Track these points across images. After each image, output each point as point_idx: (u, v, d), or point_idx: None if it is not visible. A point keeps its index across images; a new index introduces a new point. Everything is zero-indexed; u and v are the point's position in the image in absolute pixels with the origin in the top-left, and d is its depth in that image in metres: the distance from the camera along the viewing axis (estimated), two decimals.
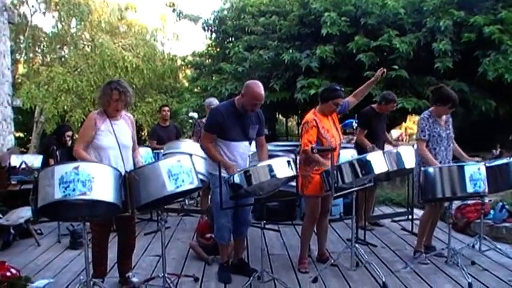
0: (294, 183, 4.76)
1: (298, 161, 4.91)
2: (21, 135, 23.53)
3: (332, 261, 5.31)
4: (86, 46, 21.79)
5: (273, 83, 12.09)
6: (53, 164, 5.25)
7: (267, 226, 5.24)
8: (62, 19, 21.25)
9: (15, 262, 5.25)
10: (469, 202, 6.86)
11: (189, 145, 6.86)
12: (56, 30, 21.60)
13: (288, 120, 20.97)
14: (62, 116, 19.52)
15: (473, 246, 5.96)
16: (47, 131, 19.14)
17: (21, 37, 21.53)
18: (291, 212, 7.82)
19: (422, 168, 5.12)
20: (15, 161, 7.82)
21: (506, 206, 6.69)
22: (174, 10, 17.16)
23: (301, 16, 12.65)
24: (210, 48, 17.74)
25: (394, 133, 21.43)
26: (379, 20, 11.38)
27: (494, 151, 14.86)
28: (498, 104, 11.19)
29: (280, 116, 18.52)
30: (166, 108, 9.16)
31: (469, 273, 4.86)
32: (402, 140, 23.81)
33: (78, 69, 20.03)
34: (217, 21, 15.82)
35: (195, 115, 10.49)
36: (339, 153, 5.31)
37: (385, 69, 5.84)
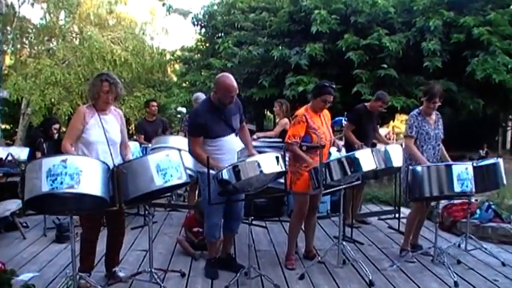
0: (282, 180, 4.76)
1: (288, 157, 4.95)
2: (7, 127, 23.32)
3: (319, 258, 5.31)
4: (74, 39, 21.61)
5: (262, 80, 12.08)
6: (41, 157, 5.22)
7: (254, 222, 5.22)
8: (51, 11, 21.04)
9: (0, 255, 5.21)
10: (456, 201, 6.91)
11: (177, 140, 6.85)
12: (44, 22, 21.41)
13: (276, 117, 20.91)
14: (49, 108, 19.35)
15: (459, 245, 6.01)
16: (34, 123, 18.95)
17: (9, 28, 21.28)
18: (279, 208, 7.83)
19: (410, 167, 5.14)
20: (1, 153, 7.71)
21: (493, 206, 6.76)
22: (163, 4, 17.13)
23: (291, 13, 12.62)
24: (199, 43, 17.69)
25: (382, 131, 21.45)
26: (369, 19, 11.39)
27: (481, 151, 15.00)
28: (486, 104, 11.26)
29: (268, 112, 18.50)
30: (155, 103, 9.09)
31: (454, 272, 4.91)
32: (390, 139, 23.89)
33: (66, 62, 19.86)
34: (207, 16, 15.78)
35: (184, 110, 10.46)
36: (329, 153, 5.32)
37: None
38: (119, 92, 4.48)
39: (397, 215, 7.14)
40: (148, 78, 21.38)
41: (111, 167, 3.88)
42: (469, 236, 5.99)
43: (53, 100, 18.94)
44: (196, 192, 7.74)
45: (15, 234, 6.46)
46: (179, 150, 4.34)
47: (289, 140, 5.06)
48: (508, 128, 22.46)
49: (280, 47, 11.99)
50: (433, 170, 5.01)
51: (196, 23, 16.14)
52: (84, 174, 3.55)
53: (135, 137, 8.96)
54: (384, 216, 7.64)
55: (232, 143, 4.84)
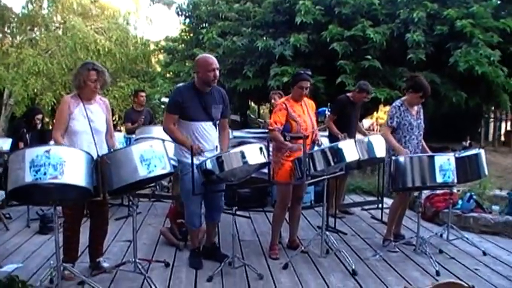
0: (265, 171, 4.78)
1: (271, 148, 4.97)
2: None
3: (302, 248, 5.34)
4: (58, 28, 21.37)
5: (246, 70, 12.03)
6: (24, 147, 5.18)
7: (238, 213, 5.24)
8: (33, 0, 20.81)
9: None
10: (438, 192, 6.98)
11: (161, 130, 6.83)
12: (27, 11, 21.05)
13: (260, 108, 20.95)
14: (32, 98, 19.12)
15: (441, 235, 6.08)
16: (17, 114, 18.72)
17: None
18: (262, 199, 7.84)
19: (393, 158, 5.19)
20: None
21: (474, 197, 6.83)
22: None
23: (275, 3, 12.58)
24: (183, 34, 17.57)
25: (366, 122, 21.56)
26: (353, 10, 11.38)
27: (464, 143, 15.11)
28: (468, 96, 11.34)
29: (252, 103, 18.51)
30: (143, 94, 9.10)
31: (436, 262, 4.98)
32: (373, 130, 23.98)
33: (49, 52, 19.62)
34: (191, 6, 15.67)
35: (167, 100, 10.42)
36: (313, 142, 5.34)
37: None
38: (106, 80, 4.49)
39: (380, 206, 7.21)
40: (132, 68, 21.20)
41: (95, 157, 3.88)
42: (450, 226, 6.05)
43: (35, 90, 18.71)
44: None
45: None
46: (163, 140, 4.35)
47: (271, 126, 5.09)
48: (491, 120, 22.65)
49: (264, 38, 11.97)
50: (416, 161, 5.06)
51: (180, 13, 16.02)
52: (68, 165, 3.54)
53: (119, 127, 8.94)
54: (367, 207, 7.69)
55: (207, 130, 4.80)
